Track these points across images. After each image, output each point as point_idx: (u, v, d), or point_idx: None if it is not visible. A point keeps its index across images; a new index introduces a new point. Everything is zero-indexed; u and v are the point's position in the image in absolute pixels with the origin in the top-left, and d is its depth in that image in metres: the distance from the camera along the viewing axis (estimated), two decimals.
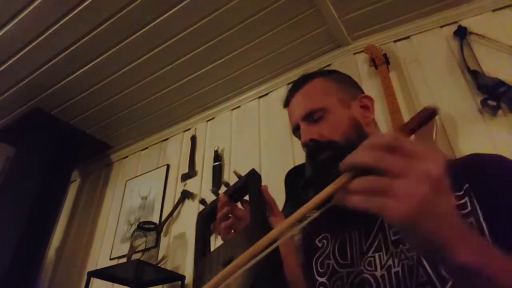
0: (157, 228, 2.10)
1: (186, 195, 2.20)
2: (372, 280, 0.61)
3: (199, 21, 1.88)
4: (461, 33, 1.70)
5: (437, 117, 1.56)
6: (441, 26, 1.81)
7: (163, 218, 2.20)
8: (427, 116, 0.43)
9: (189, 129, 2.54)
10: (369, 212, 0.38)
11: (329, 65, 2.07)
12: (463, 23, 1.73)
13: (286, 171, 1.67)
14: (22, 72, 2.15)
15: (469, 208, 0.56)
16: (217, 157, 2.20)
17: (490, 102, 1.48)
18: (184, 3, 1.78)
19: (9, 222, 2.19)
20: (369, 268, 0.63)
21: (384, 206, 0.37)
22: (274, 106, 2.16)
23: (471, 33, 1.69)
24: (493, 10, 1.70)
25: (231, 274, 0.41)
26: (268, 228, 0.68)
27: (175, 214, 2.19)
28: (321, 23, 1.91)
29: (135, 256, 1.98)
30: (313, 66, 2.07)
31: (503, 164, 0.61)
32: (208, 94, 2.36)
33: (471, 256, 0.36)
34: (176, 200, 2.22)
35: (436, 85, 1.69)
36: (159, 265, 2.02)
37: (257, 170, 0.88)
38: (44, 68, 2.12)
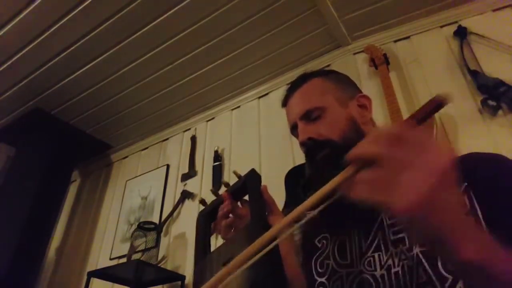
0: (157, 228, 2.10)
1: (186, 195, 2.20)
2: (371, 280, 0.61)
3: (199, 21, 1.88)
4: (461, 33, 1.70)
5: (437, 117, 1.56)
6: (441, 26, 1.81)
7: (163, 218, 2.20)
8: (435, 107, 0.42)
9: (189, 129, 2.54)
10: (375, 204, 0.37)
11: (329, 65, 2.07)
12: (463, 23, 1.73)
13: (286, 171, 1.67)
14: (22, 72, 2.15)
15: (468, 207, 0.56)
16: (217, 157, 2.20)
17: (490, 102, 1.48)
18: (184, 3, 1.78)
19: (9, 222, 2.19)
20: (368, 268, 0.63)
21: (389, 198, 0.36)
22: (274, 106, 2.16)
23: (471, 33, 1.69)
24: (493, 10, 1.70)
25: (230, 273, 0.41)
26: (268, 227, 0.68)
27: (175, 214, 2.19)
28: (321, 23, 1.91)
29: (135, 256, 1.98)
30: (313, 66, 2.07)
31: (502, 163, 0.61)
32: (208, 94, 2.36)
33: (475, 252, 0.36)
34: (176, 200, 2.22)
35: (436, 85, 1.69)
36: (159, 265, 2.02)
37: (257, 170, 0.88)
38: (44, 68, 2.12)
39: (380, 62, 1.78)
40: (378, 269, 0.61)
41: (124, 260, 2.10)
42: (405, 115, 1.62)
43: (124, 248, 2.20)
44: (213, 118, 2.47)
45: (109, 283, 2.03)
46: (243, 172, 0.80)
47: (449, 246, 0.37)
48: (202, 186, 2.22)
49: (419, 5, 1.81)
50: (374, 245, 0.64)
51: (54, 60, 2.07)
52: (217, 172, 2.14)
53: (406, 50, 1.87)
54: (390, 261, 0.60)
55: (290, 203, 1.55)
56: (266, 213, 0.77)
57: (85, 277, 1.93)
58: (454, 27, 1.75)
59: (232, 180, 0.82)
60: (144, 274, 1.84)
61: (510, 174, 0.58)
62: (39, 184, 2.31)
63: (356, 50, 2.00)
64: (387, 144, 0.38)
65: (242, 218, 0.78)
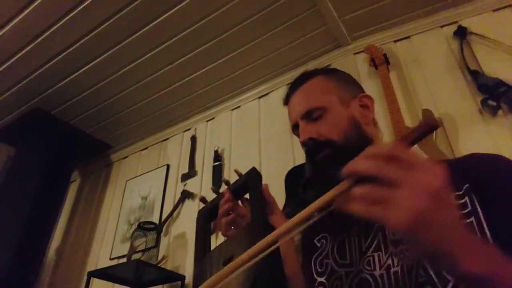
0: (157, 228, 2.10)
1: (186, 195, 2.20)
2: (371, 279, 0.61)
3: (199, 21, 1.88)
4: (461, 33, 1.70)
5: (437, 117, 1.56)
6: (441, 26, 1.81)
7: (163, 218, 2.20)
8: (428, 130, 0.43)
9: (189, 129, 2.54)
10: (369, 219, 0.38)
11: (329, 65, 2.06)
12: (463, 23, 1.73)
13: (286, 171, 1.67)
14: (22, 72, 2.15)
15: (469, 208, 0.56)
16: (217, 157, 2.20)
17: (490, 102, 1.48)
18: (184, 3, 1.78)
19: (9, 222, 2.19)
20: (368, 268, 0.63)
21: (384, 216, 0.37)
22: (274, 106, 2.16)
23: (471, 33, 1.68)
24: (493, 10, 1.70)
25: (230, 273, 0.41)
26: (268, 226, 0.68)
27: (175, 214, 2.19)
28: (321, 23, 1.91)
29: (135, 256, 1.98)
30: (313, 66, 2.03)
31: (503, 164, 0.61)
32: (208, 94, 2.36)
33: (476, 264, 0.37)
34: (176, 200, 2.22)
35: (436, 85, 1.69)
36: (159, 265, 2.02)
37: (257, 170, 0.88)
38: (44, 68, 2.12)
39: (380, 62, 1.78)
40: (378, 269, 0.61)
41: (124, 260, 2.10)
42: (405, 115, 1.62)
43: (124, 248, 2.20)
44: (213, 118, 2.47)
45: (109, 283, 2.02)
46: (243, 172, 0.80)
47: (450, 260, 0.37)
48: (202, 186, 2.22)
49: (419, 5, 1.81)
50: (374, 244, 0.64)
51: (54, 60, 2.07)
52: (217, 172, 2.14)
53: (406, 50, 1.87)
54: (389, 261, 0.60)
55: (290, 203, 1.55)
56: (267, 212, 0.77)
57: (85, 277, 1.93)
58: (454, 27, 1.75)
59: (233, 179, 0.82)
60: (144, 274, 1.83)
61: (511, 174, 0.58)
62: (39, 184, 2.31)
63: (356, 50, 2.00)
64: (382, 162, 0.39)
65: (243, 217, 0.79)
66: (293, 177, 1.62)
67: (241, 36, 1.97)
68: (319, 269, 0.72)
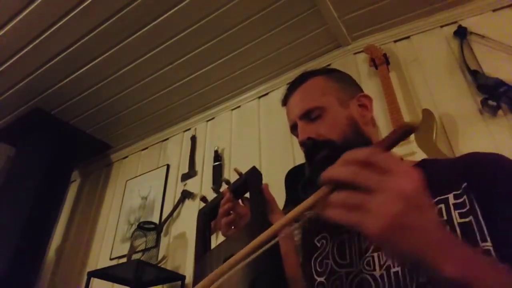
0: (157, 228, 2.10)
1: (186, 195, 2.20)
2: (371, 280, 0.61)
3: (199, 21, 1.88)
4: (461, 33, 1.70)
5: (437, 117, 1.56)
6: (441, 26, 1.81)
7: (163, 218, 2.20)
8: (403, 133, 0.43)
9: (189, 129, 2.54)
10: (347, 225, 0.38)
11: (329, 65, 2.07)
12: (463, 23, 1.73)
13: (286, 171, 1.67)
14: (22, 72, 2.15)
15: (468, 206, 0.56)
16: (217, 157, 2.20)
17: (490, 102, 1.48)
18: (184, 3, 1.78)
19: (9, 222, 2.19)
20: (368, 268, 0.62)
21: (359, 222, 0.37)
22: (274, 106, 2.16)
23: (471, 33, 1.69)
24: (493, 10, 1.70)
25: (229, 269, 0.41)
26: (268, 225, 0.68)
27: (175, 214, 2.19)
28: (321, 23, 1.91)
29: (135, 256, 1.98)
30: (313, 66, 2.06)
31: (502, 163, 0.60)
32: (208, 94, 2.36)
33: (456, 269, 0.36)
34: (176, 200, 2.22)
35: (436, 85, 1.69)
36: (159, 265, 2.02)
37: None
38: (44, 68, 2.12)
39: (380, 62, 1.78)
40: (378, 269, 0.61)
41: (124, 260, 2.10)
42: (405, 115, 1.62)
43: (124, 248, 2.20)
44: (213, 118, 2.47)
45: (109, 283, 2.02)
46: (243, 171, 0.80)
47: (429, 265, 0.37)
48: (202, 186, 2.22)
49: (419, 5, 1.81)
50: (374, 245, 0.64)
51: (54, 60, 2.07)
52: (217, 172, 2.14)
53: (406, 50, 1.87)
54: (389, 261, 0.60)
55: (290, 203, 1.55)
56: (267, 212, 0.77)
57: (85, 277, 1.93)
58: (454, 27, 1.75)
59: (233, 178, 0.82)
60: (144, 274, 1.83)
61: (510, 174, 0.58)
62: (39, 184, 2.31)
63: (356, 50, 2.00)
64: (356, 168, 0.39)
65: (243, 216, 0.79)
66: (293, 177, 1.62)
67: (241, 36, 1.97)
68: (319, 269, 0.72)
